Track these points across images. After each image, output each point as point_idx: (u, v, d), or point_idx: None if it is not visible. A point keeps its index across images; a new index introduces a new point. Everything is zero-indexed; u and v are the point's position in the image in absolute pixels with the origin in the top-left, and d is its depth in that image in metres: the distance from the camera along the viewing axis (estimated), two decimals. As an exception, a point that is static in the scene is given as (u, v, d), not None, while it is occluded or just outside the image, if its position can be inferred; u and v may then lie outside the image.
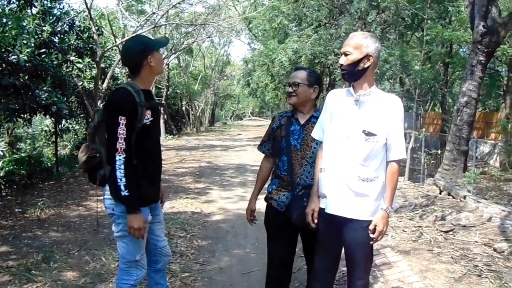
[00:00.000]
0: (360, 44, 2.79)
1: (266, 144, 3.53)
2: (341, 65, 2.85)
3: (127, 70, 12.63)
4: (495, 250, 5.03)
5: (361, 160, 2.82)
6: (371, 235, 2.84)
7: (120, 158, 2.85)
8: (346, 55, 2.82)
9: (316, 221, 3.00)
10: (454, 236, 5.65)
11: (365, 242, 2.89)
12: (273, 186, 3.45)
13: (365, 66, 2.81)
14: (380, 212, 2.86)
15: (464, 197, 7.21)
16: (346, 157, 2.84)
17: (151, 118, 3.03)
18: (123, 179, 2.85)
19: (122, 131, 2.84)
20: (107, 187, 3.00)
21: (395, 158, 2.87)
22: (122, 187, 2.85)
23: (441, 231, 5.83)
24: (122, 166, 2.85)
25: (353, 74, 2.84)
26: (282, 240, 3.43)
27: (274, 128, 3.45)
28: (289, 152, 3.31)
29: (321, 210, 2.99)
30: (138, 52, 3.02)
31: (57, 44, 10.03)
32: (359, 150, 2.82)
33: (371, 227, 2.84)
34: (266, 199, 3.52)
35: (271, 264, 3.55)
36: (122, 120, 2.84)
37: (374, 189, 2.87)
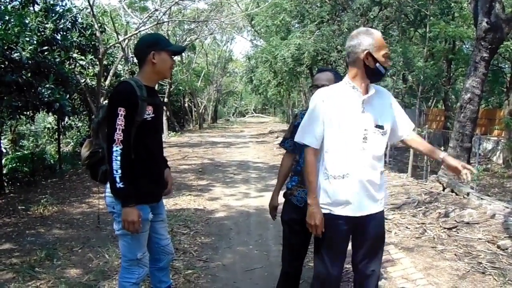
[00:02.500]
0: None
1: (289, 141, 3.51)
2: (386, 68, 2.85)
3: (130, 67, 12.61)
4: (498, 247, 5.02)
5: (380, 155, 2.91)
6: (468, 171, 2.85)
7: (117, 149, 2.82)
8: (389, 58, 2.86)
9: (323, 230, 2.89)
10: (458, 233, 5.64)
11: (384, 231, 3.10)
12: (293, 183, 3.46)
13: None
14: (449, 156, 3.03)
15: (468, 194, 7.20)
16: (369, 156, 2.84)
17: (153, 115, 3.01)
18: (119, 171, 2.82)
19: (120, 122, 2.83)
20: (108, 185, 2.98)
21: (412, 126, 3.11)
22: (118, 179, 2.82)
23: (445, 228, 5.82)
24: (119, 158, 2.82)
25: None
26: (297, 235, 3.42)
27: (296, 125, 3.40)
28: None
29: (335, 217, 2.89)
30: (145, 45, 3.06)
31: (59, 41, 10.01)
32: (379, 146, 2.88)
33: (460, 167, 2.85)
34: (285, 195, 3.54)
35: (285, 259, 3.55)
36: (121, 112, 2.84)
37: (383, 178, 2.99)
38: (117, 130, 2.83)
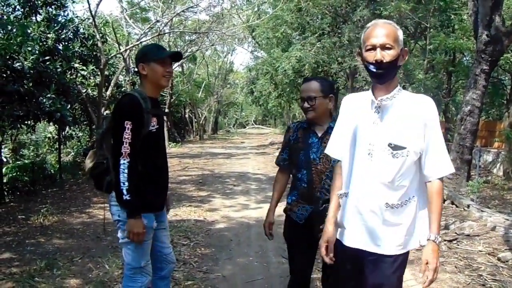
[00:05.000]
0: (397, 36, 2.27)
1: (283, 155, 3.37)
2: (380, 62, 2.21)
3: (131, 77, 12.63)
4: (499, 259, 5.02)
5: (389, 181, 2.30)
6: (424, 275, 2.25)
7: (124, 162, 2.87)
8: (386, 48, 2.22)
9: (331, 254, 2.47)
10: (458, 245, 5.64)
11: (393, 282, 2.38)
12: (293, 197, 3.27)
13: (401, 63, 2.32)
14: (429, 245, 2.27)
15: (468, 206, 7.20)
16: (370, 179, 2.32)
17: (157, 126, 3.07)
18: (126, 183, 2.87)
19: (127, 135, 2.88)
20: (113, 194, 3.01)
21: (440, 175, 2.32)
22: (124, 191, 2.87)
23: (445, 240, 5.82)
24: (126, 171, 2.87)
25: (392, 74, 2.29)
26: (300, 251, 3.25)
27: (291, 140, 3.29)
28: (309, 166, 3.12)
29: (339, 242, 2.50)
30: (136, 59, 3.17)
31: (61, 51, 10.06)
32: (386, 169, 2.29)
33: (422, 266, 2.27)
34: (285, 210, 3.36)
35: (291, 271, 3.39)
36: (128, 125, 2.88)
37: (406, 216, 2.36)
38: (124, 143, 2.87)
